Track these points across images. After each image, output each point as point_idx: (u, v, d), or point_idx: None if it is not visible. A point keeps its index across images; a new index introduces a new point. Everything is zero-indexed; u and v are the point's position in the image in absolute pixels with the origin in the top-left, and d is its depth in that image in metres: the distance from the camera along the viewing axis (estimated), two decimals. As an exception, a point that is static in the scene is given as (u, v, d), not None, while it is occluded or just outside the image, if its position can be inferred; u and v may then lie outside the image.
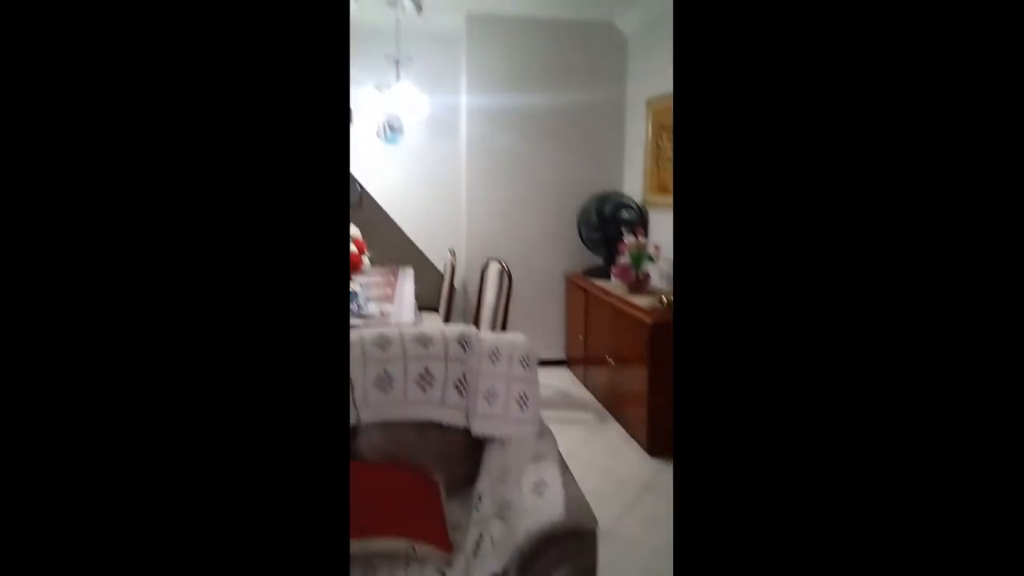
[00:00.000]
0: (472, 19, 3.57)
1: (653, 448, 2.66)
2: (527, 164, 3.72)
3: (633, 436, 2.82)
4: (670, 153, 3.18)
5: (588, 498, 1.34)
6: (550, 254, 3.82)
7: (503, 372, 1.73)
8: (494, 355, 1.75)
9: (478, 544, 1.38)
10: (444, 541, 1.41)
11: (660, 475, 2.50)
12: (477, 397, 1.70)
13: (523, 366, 1.75)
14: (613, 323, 3.01)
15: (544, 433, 1.71)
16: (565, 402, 3.36)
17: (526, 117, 3.66)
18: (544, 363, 3.83)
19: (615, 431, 2.94)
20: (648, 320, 2.58)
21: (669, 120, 3.18)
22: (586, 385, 3.50)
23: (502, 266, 2.90)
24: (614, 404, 3.07)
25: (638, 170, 3.59)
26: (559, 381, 3.65)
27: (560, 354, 3.91)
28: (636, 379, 2.72)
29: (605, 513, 2.20)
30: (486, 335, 1.81)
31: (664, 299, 2.73)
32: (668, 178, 3.22)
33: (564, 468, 1.51)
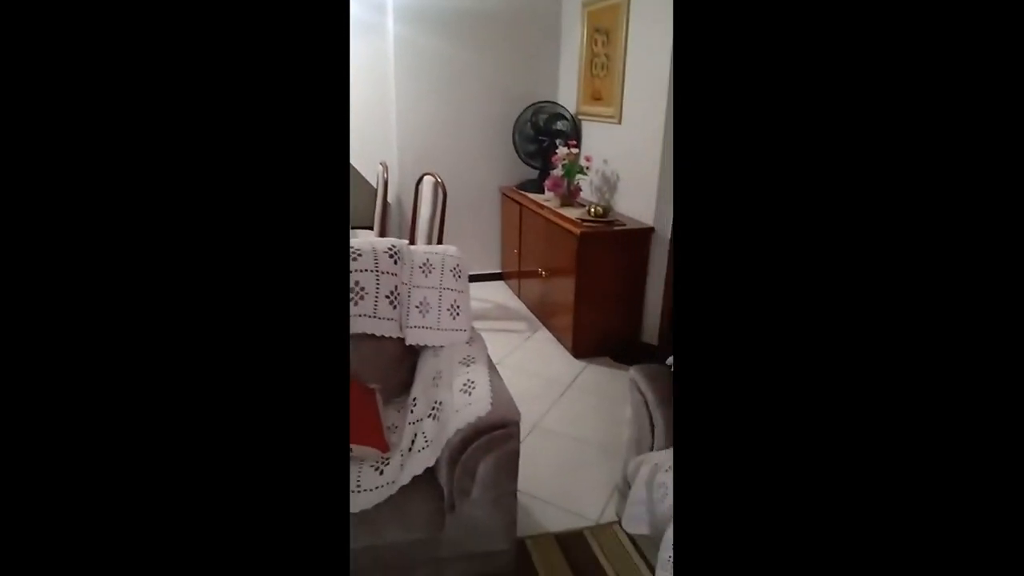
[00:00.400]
0: (395, -97, 3.26)
1: (577, 351, 2.87)
2: (460, 71, 3.58)
3: (560, 341, 3.01)
4: (604, 59, 3.15)
5: (519, 397, 1.46)
6: (485, 167, 3.79)
7: (435, 283, 1.79)
8: (425, 267, 1.79)
9: (412, 442, 1.49)
10: (381, 442, 1.51)
11: (583, 374, 2.72)
12: (410, 308, 1.76)
13: (454, 276, 1.81)
14: (545, 236, 3.10)
15: (475, 339, 1.81)
16: (501, 314, 3.49)
17: (458, 19, 3.48)
18: (481, 277, 3.92)
19: (545, 337, 3.11)
20: (576, 231, 2.67)
21: (604, 24, 3.12)
22: (520, 297, 3.63)
23: (436, 179, 2.87)
24: (545, 313, 3.23)
25: (573, 78, 3.54)
26: (495, 294, 3.76)
27: (496, 268, 4.00)
28: (564, 289, 2.86)
29: (534, 409, 2.39)
30: (417, 247, 1.84)
31: (592, 210, 2.81)
32: (601, 86, 3.21)
33: (492, 369, 1.63)
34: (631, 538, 1.67)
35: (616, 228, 2.74)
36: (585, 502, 1.85)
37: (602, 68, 3.17)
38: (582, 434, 2.25)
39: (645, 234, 2.77)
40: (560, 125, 3.52)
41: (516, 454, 1.43)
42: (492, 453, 1.39)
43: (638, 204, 2.87)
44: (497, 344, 2.99)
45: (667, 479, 1.41)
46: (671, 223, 2.74)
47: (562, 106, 3.60)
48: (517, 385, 2.50)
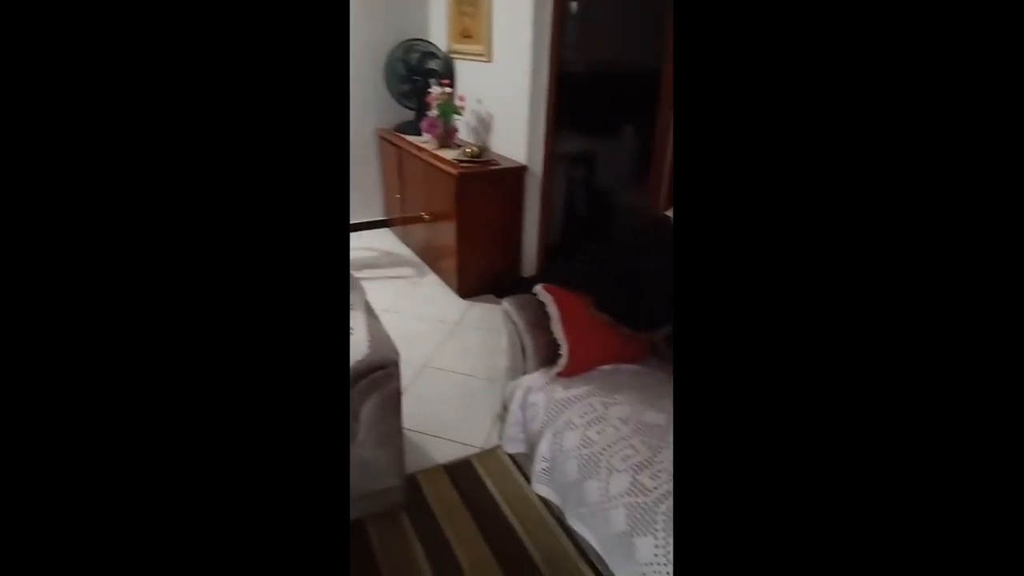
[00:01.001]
0: None
1: (463, 291, 2.94)
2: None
3: (447, 283, 3.06)
4: (472, -4, 3.07)
5: (409, 340, 1.49)
6: (359, 110, 3.61)
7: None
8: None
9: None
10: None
11: (468, 312, 2.81)
12: (278, 260, 1.70)
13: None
14: (425, 179, 3.06)
15: (352, 286, 1.79)
16: (388, 261, 3.45)
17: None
18: (366, 225, 3.82)
19: (433, 281, 3.14)
20: (454, 173, 2.67)
21: (469, -42, 3.02)
22: (406, 243, 3.60)
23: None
24: (431, 257, 3.24)
25: (442, 14, 3.42)
26: (382, 242, 3.69)
27: (380, 215, 3.90)
28: (447, 232, 2.87)
29: (424, 349, 2.44)
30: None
31: (468, 151, 2.81)
32: (471, 23, 3.14)
33: (370, 313, 1.64)
34: (512, 458, 1.80)
35: (492, 168, 2.78)
36: (472, 432, 1.96)
37: (470, 4, 3.10)
38: (469, 369, 2.34)
39: (519, 172, 2.83)
40: (433, 64, 3.42)
41: (398, 393, 1.48)
42: (374, 394, 1.42)
43: (511, 143, 2.91)
44: (387, 291, 2.97)
45: (537, 399, 1.53)
46: (543, 160, 2.82)
47: (433, 44, 3.49)
48: (407, 328, 2.54)
